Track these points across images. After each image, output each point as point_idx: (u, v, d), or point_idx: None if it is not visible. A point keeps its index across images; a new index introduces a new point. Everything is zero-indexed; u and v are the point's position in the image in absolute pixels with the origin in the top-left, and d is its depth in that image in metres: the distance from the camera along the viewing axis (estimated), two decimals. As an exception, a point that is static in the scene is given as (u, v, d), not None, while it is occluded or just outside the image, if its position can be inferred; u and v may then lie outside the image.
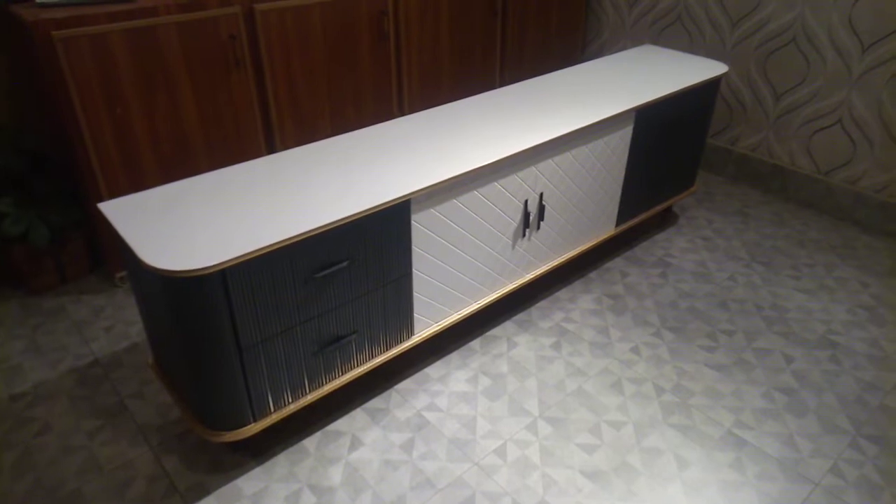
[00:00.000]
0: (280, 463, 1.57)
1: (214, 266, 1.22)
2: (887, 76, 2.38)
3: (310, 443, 1.62)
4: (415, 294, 1.67)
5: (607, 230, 2.22)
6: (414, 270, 1.63)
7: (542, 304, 2.12)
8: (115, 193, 2.01)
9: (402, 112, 2.67)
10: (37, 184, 2.10)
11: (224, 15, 2.02)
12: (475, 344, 1.95)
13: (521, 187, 1.79)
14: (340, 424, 1.67)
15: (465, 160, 1.62)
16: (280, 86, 2.25)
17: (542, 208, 1.88)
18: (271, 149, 2.33)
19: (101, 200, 1.99)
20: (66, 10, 1.82)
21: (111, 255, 2.16)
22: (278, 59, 2.20)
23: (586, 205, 2.05)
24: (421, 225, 1.58)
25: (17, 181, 2.10)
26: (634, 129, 2.05)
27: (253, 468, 1.56)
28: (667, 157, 2.26)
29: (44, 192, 2.11)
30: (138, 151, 2.02)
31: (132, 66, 1.91)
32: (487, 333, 1.99)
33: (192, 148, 2.13)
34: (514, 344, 1.95)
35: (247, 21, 2.09)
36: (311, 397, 1.56)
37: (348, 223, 1.42)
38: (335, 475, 1.54)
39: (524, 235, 1.89)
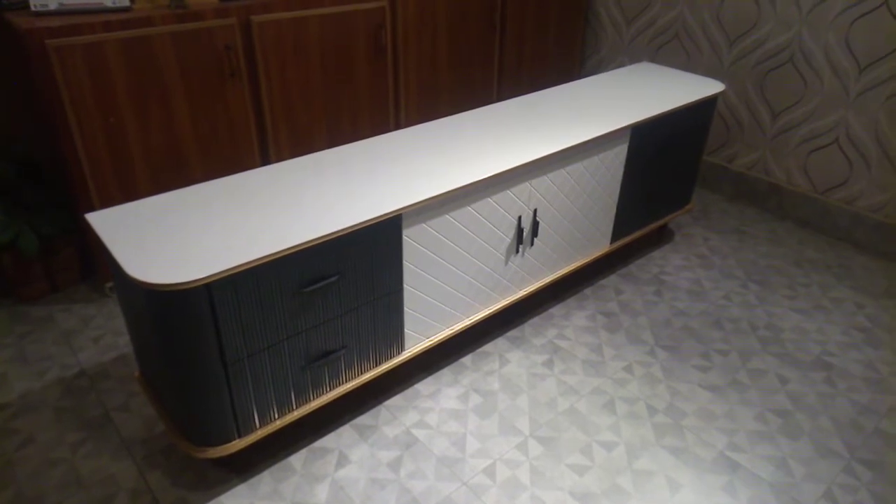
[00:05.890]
0: (265, 480, 1.54)
1: (199, 280, 1.20)
2: (884, 97, 2.38)
3: (296, 460, 1.60)
4: (406, 309, 1.66)
5: (602, 247, 2.20)
6: (405, 286, 1.62)
7: (535, 320, 2.10)
8: (106, 203, 2.00)
9: (400, 125, 2.67)
10: (27, 192, 2.09)
11: (220, 26, 2.02)
12: (467, 360, 1.93)
13: (515, 203, 1.77)
14: (327, 441, 1.65)
15: (458, 175, 1.61)
16: (275, 97, 2.24)
17: (535, 224, 1.87)
18: (265, 160, 2.32)
19: (93, 210, 1.98)
20: (60, 18, 1.82)
21: (102, 264, 2.14)
22: (274, 70, 2.19)
23: (581, 221, 2.04)
24: (413, 240, 1.57)
25: (6, 188, 2.08)
26: (630, 146, 2.04)
27: (237, 485, 1.53)
28: (663, 174, 2.25)
29: (34, 200, 2.09)
30: (131, 161, 2.01)
31: (126, 75, 1.90)
32: (479, 350, 1.97)
33: (186, 158, 2.11)
34: (506, 361, 1.93)
35: (243, 32, 2.09)
36: (297, 413, 1.54)
37: (338, 237, 1.40)
38: (321, 493, 1.51)
39: (517, 252, 1.87)
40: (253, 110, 2.21)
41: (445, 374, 1.87)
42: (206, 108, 2.09)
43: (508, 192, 1.73)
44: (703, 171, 3.02)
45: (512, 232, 1.82)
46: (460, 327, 1.82)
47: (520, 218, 1.80)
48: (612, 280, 2.32)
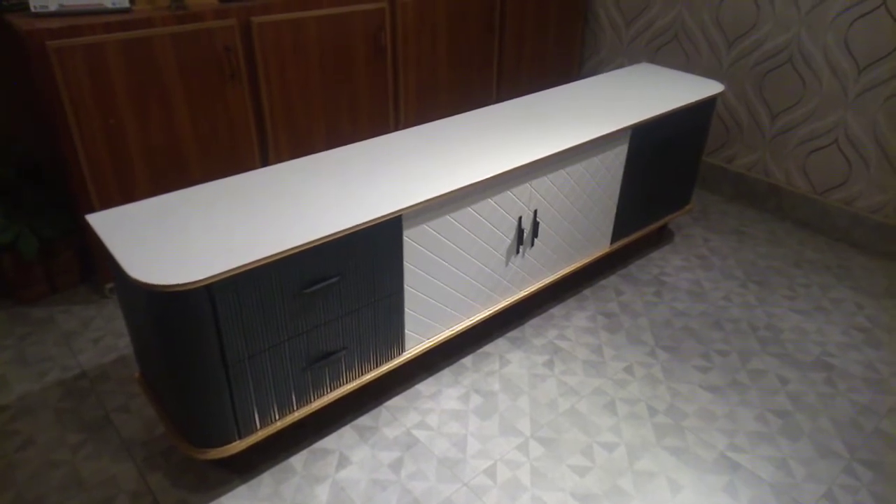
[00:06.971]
0: (266, 481, 1.54)
1: (200, 281, 1.20)
2: (883, 98, 2.38)
3: (297, 461, 1.59)
4: (406, 310, 1.66)
5: (602, 247, 2.20)
6: (405, 286, 1.62)
7: (536, 321, 2.10)
8: (106, 203, 2.00)
9: (399, 126, 2.67)
10: (27, 193, 2.09)
11: (220, 27, 2.02)
12: (467, 361, 1.92)
13: (515, 204, 1.78)
14: (328, 442, 1.65)
15: (458, 176, 1.61)
16: (275, 98, 2.24)
17: (536, 225, 1.87)
18: (265, 161, 2.32)
19: (92, 210, 1.98)
20: (60, 19, 1.82)
21: (102, 265, 2.14)
22: (274, 71, 2.20)
23: (581, 222, 2.04)
24: (413, 241, 1.57)
25: (6, 189, 2.08)
26: (630, 146, 2.05)
27: (238, 486, 1.53)
28: (662, 175, 2.26)
29: (34, 201, 2.09)
30: (131, 162, 2.01)
31: (126, 76, 1.90)
32: (480, 350, 1.97)
33: (186, 159, 2.11)
34: (507, 361, 1.93)
35: (243, 33, 2.09)
36: (298, 414, 1.54)
37: (339, 238, 1.40)
38: (321, 494, 1.51)
39: (518, 252, 1.87)
40: (253, 111, 2.21)
41: (446, 374, 1.87)
42: (205, 109, 2.09)
43: (509, 192, 1.73)
44: (702, 172, 3.02)
45: (512, 233, 1.82)
46: (461, 328, 1.83)
47: (520, 219, 1.80)
48: (612, 281, 2.32)
